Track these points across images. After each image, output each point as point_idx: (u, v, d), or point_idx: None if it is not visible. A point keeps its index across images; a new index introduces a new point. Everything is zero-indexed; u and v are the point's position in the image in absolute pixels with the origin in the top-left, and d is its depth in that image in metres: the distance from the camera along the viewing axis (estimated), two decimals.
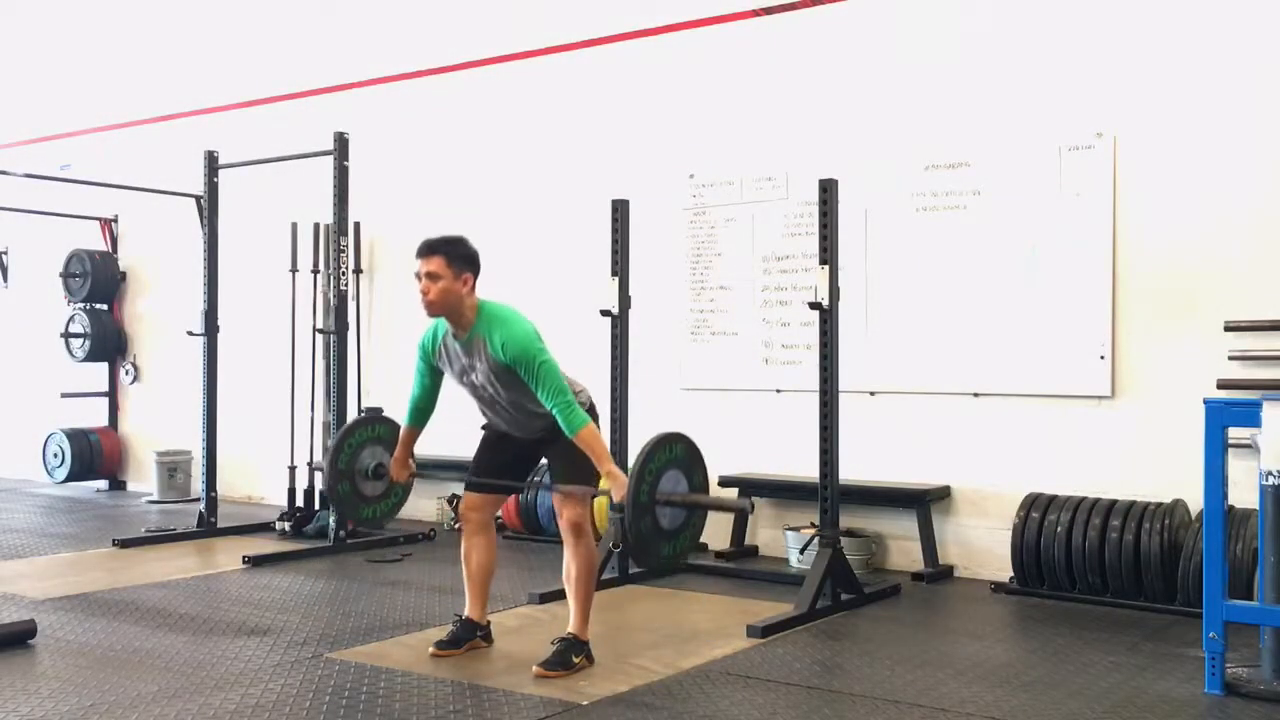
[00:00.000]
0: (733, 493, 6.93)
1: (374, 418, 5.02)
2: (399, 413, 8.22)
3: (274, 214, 8.76)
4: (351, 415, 7.73)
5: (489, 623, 4.74)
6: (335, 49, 9.06)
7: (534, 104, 8.02)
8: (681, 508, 4.23)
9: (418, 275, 4.31)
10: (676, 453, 4.27)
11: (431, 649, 4.60)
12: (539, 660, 4.35)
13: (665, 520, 4.20)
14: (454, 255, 4.29)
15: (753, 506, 4.19)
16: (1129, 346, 5.93)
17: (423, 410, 4.65)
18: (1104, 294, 5.96)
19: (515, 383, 4.30)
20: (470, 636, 4.65)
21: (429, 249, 4.31)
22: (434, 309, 4.32)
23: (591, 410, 4.53)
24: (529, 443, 4.55)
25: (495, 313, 4.34)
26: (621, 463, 6.17)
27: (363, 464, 4.88)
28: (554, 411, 4.23)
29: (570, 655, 4.36)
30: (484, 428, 4.67)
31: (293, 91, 9.28)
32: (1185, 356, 5.75)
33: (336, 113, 8.61)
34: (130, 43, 10.37)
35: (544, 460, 4.65)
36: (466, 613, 4.68)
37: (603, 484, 4.30)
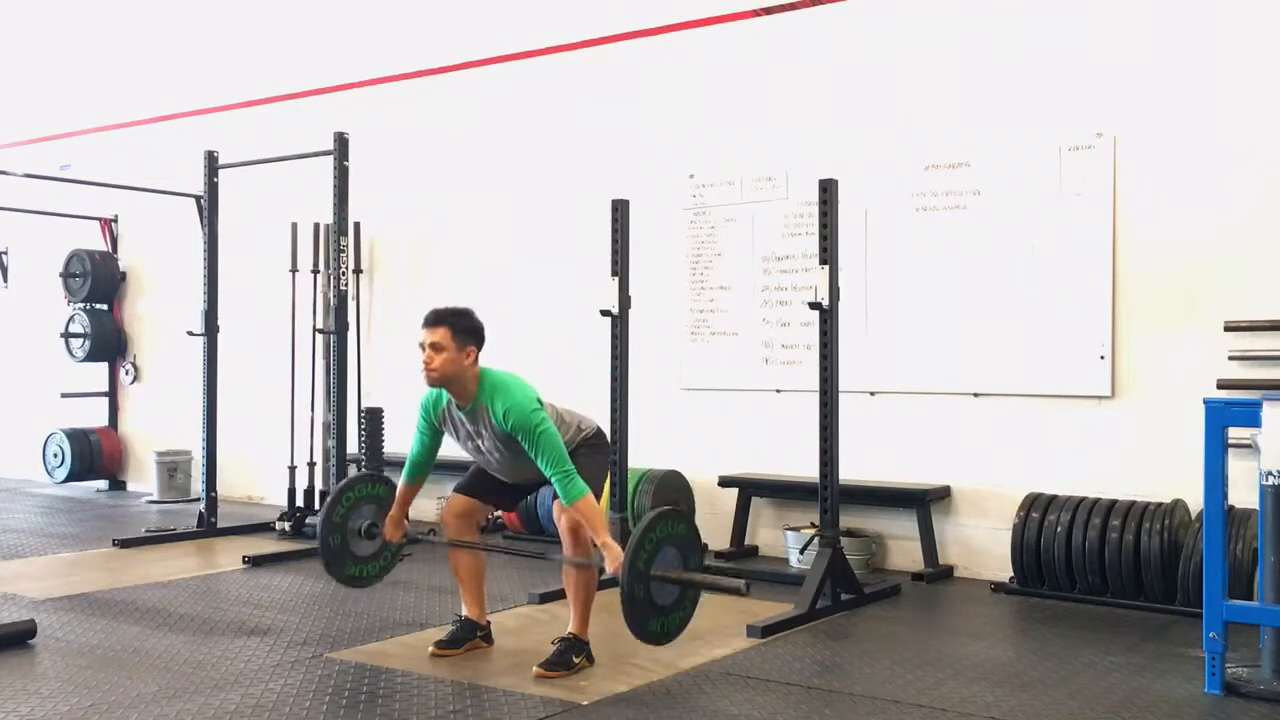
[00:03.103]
0: (732, 493, 6.96)
1: (373, 476, 4.95)
2: (401, 414, 8.22)
3: (274, 214, 8.75)
4: (351, 415, 7.72)
5: (489, 623, 4.75)
6: (335, 49, 9.06)
7: (534, 104, 8.02)
8: (675, 585, 4.16)
9: (421, 345, 4.31)
10: (677, 530, 4.20)
11: (431, 649, 4.61)
12: (539, 660, 4.35)
13: (658, 596, 4.12)
14: (459, 328, 4.31)
15: (748, 587, 4.16)
16: (1129, 346, 5.93)
17: (421, 468, 4.65)
18: (1104, 294, 5.96)
19: (523, 453, 4.32)
20: (470, 637, 4.66)
21: (435, 320, 4.32)
22: (435, 379, 4.34)
23: (599, 437, 4.58)
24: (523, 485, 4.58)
25: (496, 381, 4.35)
26: (621, 459, 6.18)
27: (357, 521, 4.77)
28: (553, 481, 4.23)
29: (571, 655, 4.37)
30: None
31: (293, 91, 9.28)
32: (1185, 356, 5.75)
33: (336, 113, 8.61)
34: (130, 43, 10.37)
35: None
36: (464, 613, 4.69)
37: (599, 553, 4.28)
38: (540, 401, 4.34)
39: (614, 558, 4.08)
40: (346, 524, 4.75)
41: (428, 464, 4.65)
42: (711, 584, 4.25)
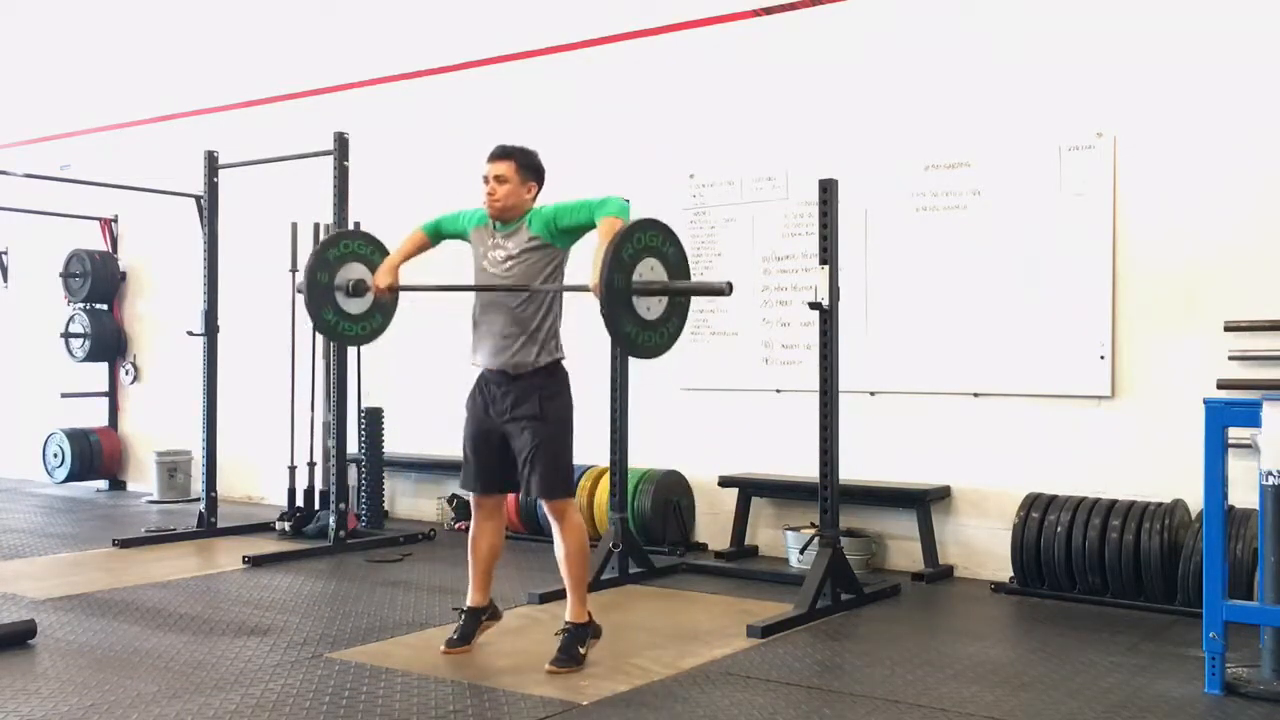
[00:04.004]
0: (732, 493, 6.96)
1: (344, 234, 4.86)
2: (401, 414, 8.18)
3: (274, 214, 8.74)
4: (351, 415, 7.73)
5: (491, 600, 4.75)
6: (335, 49, 9.06)
7: (534, 104, 8.02)
8: (660, 294, 4.16)
9: (485, 178, 4.43)
10: (666, 248, 4.22)
11: (442, 648, 4.61)
12: (550, 659, 4.37)
13: (641, 308, 4.13)
14: (524, 163, 4.48)
15: (730, 288, 4.19)
16: (1129, 346, 5.93)
17: (439, 228, 4.72)
18: (1104, 294, 5.96)
19: (533, 271, 4.36)
20: (477, 624, 4.67)
21: (503, 153, 4.49)
22: (498, 210, 4.46)
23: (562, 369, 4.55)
24: (507, 432, 4.48)
25: (541, 206, 4.48)
26: (621, 459, 6.18)
27: (346, 275, 4.69)
28: (594, 206, 4.28)
29: (576, 646, 4.39)
30: (466, 428, 4.61)
31: (293, 91, 9.27)
32: (1185, 356, 5.75)
33: (336, 113, 8.61)
34: (130, 43, 10.37)
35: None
36: (469, 603, 4.69)
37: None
38: None
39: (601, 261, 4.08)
40: (335, 271, 4.72)
41: (448, 232, 4.72)
42: (693, 288, 4.29)
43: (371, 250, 4.87)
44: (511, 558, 6.65)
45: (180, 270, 9.62)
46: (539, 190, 4.52)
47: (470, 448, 4.61)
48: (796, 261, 6.93)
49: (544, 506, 4.49)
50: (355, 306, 4.77)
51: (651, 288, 4.14)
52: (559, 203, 4.43)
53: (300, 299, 8.22)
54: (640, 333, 4.18)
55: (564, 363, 4.52)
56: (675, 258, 4.28)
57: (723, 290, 4.14)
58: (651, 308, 4.18)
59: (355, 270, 4.75)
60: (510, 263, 4.42)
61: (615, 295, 4.04)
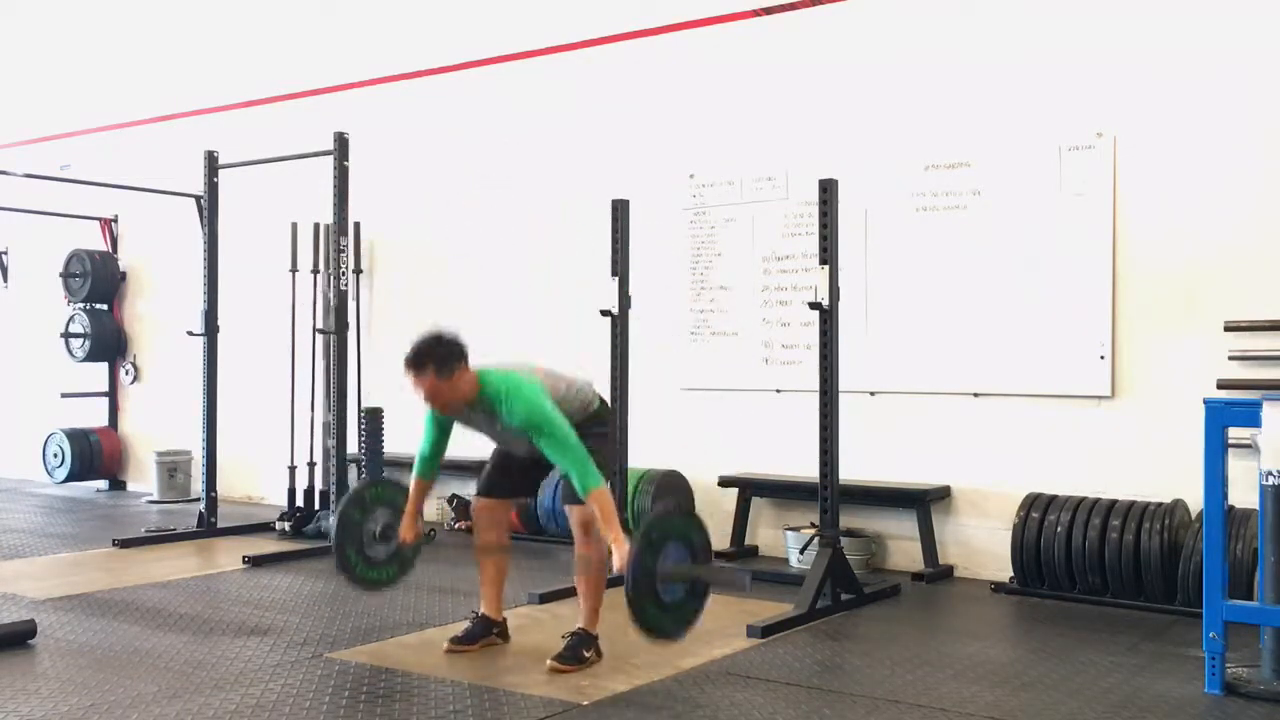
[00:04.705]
0: (732, 493, 6.96)
1: (383, 480, 4.99)
2: (401, 414, 8.20)
3: (274, 214, 8.76)
4: (351, 415, 7.72)
5: (504, 620, 4.77)
6: (335, 49, 9.06)
7: (534, 104, 8.02)
8: (682, 582, 4.17)
9: (414, 388, 4.29)
10: (684, 528, 4.22)
11: (447, 644, 4.63)
12: (552, 654, 4.38)
13: (666, 594, 4.12)
14: (440, 365, 4.23)
15: (750, 582, 4.22)
16: (1129, 346, 5.93)
17: (430, 462, 4.63)
18: (1104, 294, 5.96)
19: (525, 439, 4.35)
20: (486, 634, 4.69)
21: (416, 366, 4.22)
22: (442, 411, 4.41)
23: (604, 408, 4.64)
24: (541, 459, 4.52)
25: (498, 384, 4.29)
26: (622, 450, 6.18)
27: (370, 526, 4.77)
28: (569, 472, 4.20)
29: (582, 649, 4.41)
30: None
31: (293, 91, 9.27)
32: (1185, 356, 5.75)
33: (336, 113, 8.60)
34: (130, 43, 10.37)
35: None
36: (483, 610, 4.71)
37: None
38: (543, 390, 4.29)
39: (621, 555, 4.07)
40: (362, 529, 4.75)
41: (437, 458, 4.64)
42: (715, 577, 4.26)
43: (384, 488, 4.91)
44: (511, 558, 6.64)
45: (180, 270, 9.62)
46: (467, 363, 4.28)
47: (495, 461, 4.70)
48: (796, 261, 6.93)
49: (570, 515, 4.46)
50: (377, 552, 4.83)
51: (676, 573, 4.14)
52: (526, 414, 4.21)
53: (299, 299, 8.32)
54: (660, 615, 4.14)
55: (598, 411, 4.57)
56: (701, 543, 4.26)
57: (743, 586, 4.21)
58: (674, 591, 4.16)
59: (385, 516, 4.81)
60: (511, 434, 4.37)
61: (642, 574, 4.04)
